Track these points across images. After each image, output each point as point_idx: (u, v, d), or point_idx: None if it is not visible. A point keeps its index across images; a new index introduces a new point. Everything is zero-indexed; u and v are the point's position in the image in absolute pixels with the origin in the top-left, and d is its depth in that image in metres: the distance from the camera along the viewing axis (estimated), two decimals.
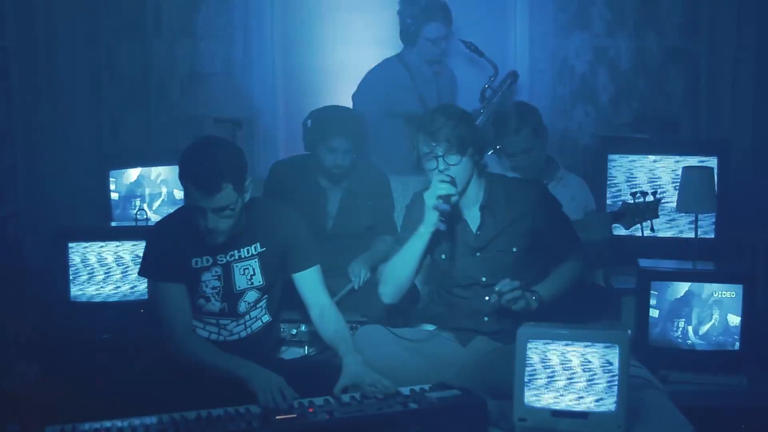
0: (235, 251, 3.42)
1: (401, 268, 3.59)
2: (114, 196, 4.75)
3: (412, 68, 5.13)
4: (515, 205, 3.59)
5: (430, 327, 3.74)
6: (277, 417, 2.96)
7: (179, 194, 4.75)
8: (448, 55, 5.32)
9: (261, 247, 3.45)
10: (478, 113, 5.01)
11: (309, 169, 4.38)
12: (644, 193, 3.87)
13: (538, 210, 3.59)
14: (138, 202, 4.73)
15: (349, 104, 4.99)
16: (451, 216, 3.48)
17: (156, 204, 4.77)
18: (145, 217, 4.44)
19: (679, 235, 4.66)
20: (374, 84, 5.12)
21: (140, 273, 3.55)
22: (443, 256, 3.62)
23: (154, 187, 4.79)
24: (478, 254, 3.57)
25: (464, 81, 5.34)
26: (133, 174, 4.78)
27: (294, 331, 3.84)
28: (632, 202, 3.91)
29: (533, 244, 3.58)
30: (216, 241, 3.34)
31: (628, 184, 4.72)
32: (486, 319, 3.57)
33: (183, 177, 3.27)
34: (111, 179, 4.74)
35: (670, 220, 4.67)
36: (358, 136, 4.32)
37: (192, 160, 3.26)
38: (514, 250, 3.55)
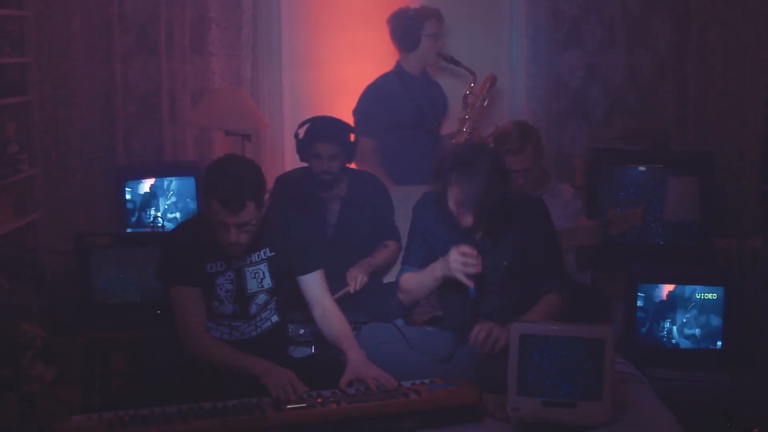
0: (247, 256, 3.57)
1: (418, 290, 3.80)
2: (129, 205, 4.93)
3: (408, 80, 5.29)
4: (515, 222, 3.69)
5: (429, 328, 3.90)
6: (288, 406, 3.13)
7: (192, 204, 4.93)
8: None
9: (270, 252, 3.61)
10: (464, 120, 5.20)
11: (309, 181, 4.54)
12: (630, 202, 4.05)
13: (533, 228, 3.70)
14: (152, 212, 4.91)
15: (351, 119, 5.15)
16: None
17: (171, 214, 4.94)
18: (160, 224, 4.63)
19: (668, 243, 4.83)
20: (373, 98, 5.27)
21: (156, 278, 3.68)
22: None
23: (167, 198, 4.96)
24: None
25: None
26: (146, 184, 4.96)
27: (301, 331, 3.97)
28: (619, 210, 4.09)
29: (523, 261, 3.69)
30: (235, 252, 3.51)
31: (619, 194, 4.87)
32: (480, 321, 3.68)
33: (209, 194, 3.41)
34: (126, 189, 4.92)
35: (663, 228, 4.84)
36: (343, 142, 4.46)
37: (218, 179, 3.41)
38: (504, 264, 3.67)
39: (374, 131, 5.14)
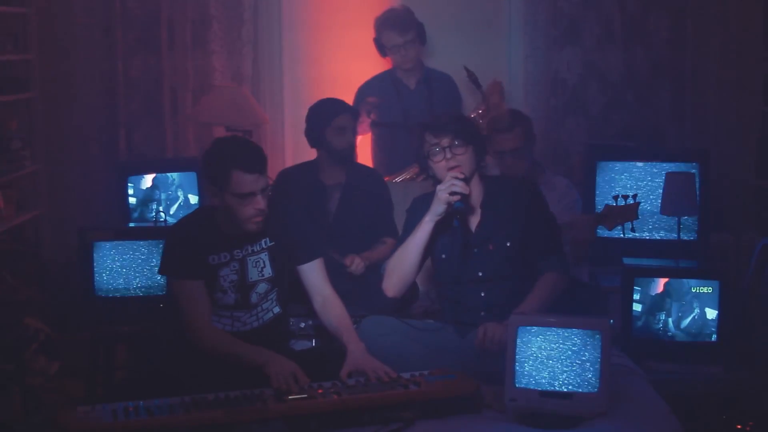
0: (249, 246, 3.62)
1: (406, 259, 3.76)
2: (131, 200, 4.97)
3: (398, 82, 5.36)
4: (510, 203, 3.76)
5: (428, 320, 3.94)
6: (289, 397, 3.17)
7: (194, 199, 4.99)
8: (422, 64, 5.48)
9: (270, 241, 3.65)
10: None
11: (311, 173, 4.63)
12: (625, 197, 4.08)
13: (528, 207, 3.77)
14: (154, 207, 4.95)
15: None
16: (465, 211, 3.70)
17: (172, 209, 4.99)
18: (162, 219, 4.68)
19: (664, 237, 4.87)
20: (363, 98, 5.35)
21: (160, 271, 3.73)
22: (443, 255, 3.80)
23: (169, 192, 5.01)
24: (475, 250, 3.75)
25: None
26: (148, 180, 5.00)
27: (302, 325, 4.02)
28: (614, 204, 4.13)
29: (524, 240, 3.74)
30: (259, 226, 3.55)
31: (616, 189, 4.87)
32: (482, 314, 3.73)
33: (231, 167, 3.44)
34: (129, 184, 4.95)
35: (660, 223, 4.88)
36: (356, 118, 4.62)
37: (238, 149, 3.50)
38: (508, 244, 3.73)
39: (359, 128, 5.19)
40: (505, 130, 4.48)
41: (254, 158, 3.48)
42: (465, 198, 3.64)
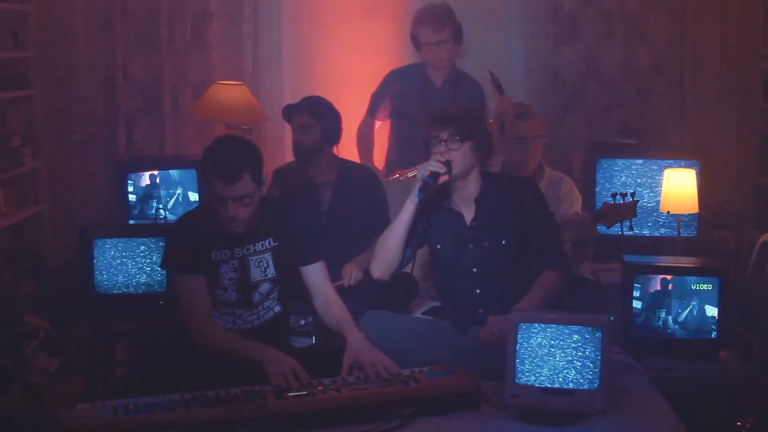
0: (251, 245, 3.62)
1: (390, 239, 3.78)
2: (131, 197, 4.97)
3: (425, 77, 5.37)
4: (508, 201, 3.76)
5: (427, 317, 3.96)
6: (289, 394, 3.18)
7: (194, 196, 4.99)
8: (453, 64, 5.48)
9: (274, 242, 3.66)
10: None
11: (302, 170, 4.62)
12: (623, 194, 4.08)
13: (527, 205, 3.76)
14: (154, 204, 4.96)
15: (351, 112, 5.21)
16: (435, 194, 3.70)
17: (170, 203, 4.98)
18: (162, 216, 4.68)
19: (664, 234, 4.89)
20: (389, 83, 5.39)
21: (162, 266, 3.77)
22: (438, 246, 3.81)
23: (169, 189, 5.01)
24: (470, 246, 3.75)
25: None
26: (148, 177, 4.99)
27: (302, 322, 4.02)
28: (612, 202, 4.14)
29: (522, 238, 3.74)
30: (235, 230, 3.55)
31: (616, 186, 4.90)
32: (480, 311, 3.74)
33: (206, 169, 3.49)
34: (129, 181, 4.96)
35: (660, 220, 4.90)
36: (316, 115, 4.51)
37: (214, 153, 3.52)
38: (504, 242, 3.72)
39: (379, 114, 5.29)
40: (529, 117, 4.50)
41: (227, 170, 3.45)
42: (435, 176, 3.64)
